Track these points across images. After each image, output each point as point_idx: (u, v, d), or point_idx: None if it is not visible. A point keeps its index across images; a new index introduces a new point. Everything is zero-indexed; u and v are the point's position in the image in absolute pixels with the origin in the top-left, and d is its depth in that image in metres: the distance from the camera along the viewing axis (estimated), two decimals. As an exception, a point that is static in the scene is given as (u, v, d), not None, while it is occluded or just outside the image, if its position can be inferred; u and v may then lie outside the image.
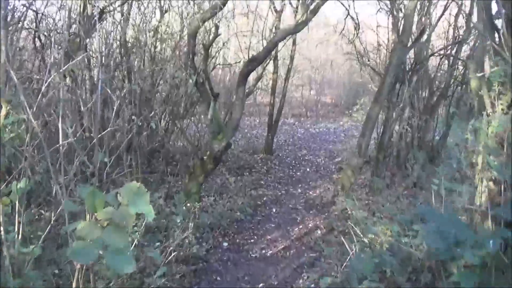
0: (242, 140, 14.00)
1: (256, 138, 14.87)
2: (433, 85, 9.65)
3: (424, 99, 9.31)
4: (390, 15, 9.82)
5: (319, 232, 7.18)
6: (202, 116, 8.61)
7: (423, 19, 9.34)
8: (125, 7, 8.41)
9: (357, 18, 10.52)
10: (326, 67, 21.38)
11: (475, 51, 5.01)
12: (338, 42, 15.44)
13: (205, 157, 7.83)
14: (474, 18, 9.09)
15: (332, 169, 11.86)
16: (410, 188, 9.13)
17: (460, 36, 9.23)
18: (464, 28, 9.25)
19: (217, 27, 6.93)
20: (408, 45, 8.56)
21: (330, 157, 13.21)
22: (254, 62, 7.60)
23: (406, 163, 9.42)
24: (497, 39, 3.44)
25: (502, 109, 3.33)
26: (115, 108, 4.87)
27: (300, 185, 10.23)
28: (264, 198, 8.88)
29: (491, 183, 3.32)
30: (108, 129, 4.46)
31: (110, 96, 6.33)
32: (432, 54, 9.42)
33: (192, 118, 9.39)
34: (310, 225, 7.55)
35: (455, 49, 9.26)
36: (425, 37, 9.08)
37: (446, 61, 9.70)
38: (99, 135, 3.82)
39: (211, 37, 7.43)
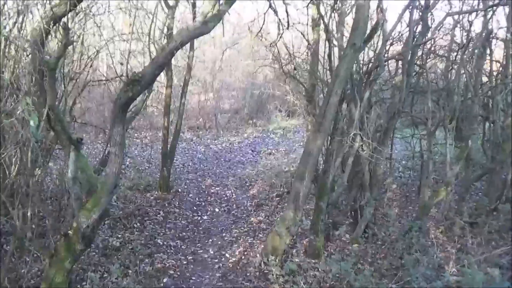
0: (130, 169, 10.95)
1: (148, 164, 11.88)
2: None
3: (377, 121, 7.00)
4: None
5: None
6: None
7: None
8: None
9: (287, 12, 7.54)
10: (223, 70, 18.58)
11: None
12: (247, 44, 12.66)
13: (70, 232, 4.91)
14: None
15: (247, 207, 9.36)
16: (359, 242, 6.91)
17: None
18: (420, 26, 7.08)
19: (66, 30, 3.90)
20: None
21: (241, 187, 10.65)
22: (137, 86, 4.68)
23: (355, 206, 7.15)
24: None
25: None
26: None
27: (211, 240, 7.60)
28: (165, 280, 6.07)
29: None
30: None
31: None
32: (388, 59, 7.17)
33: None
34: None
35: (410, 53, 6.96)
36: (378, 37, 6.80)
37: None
38: None
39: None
